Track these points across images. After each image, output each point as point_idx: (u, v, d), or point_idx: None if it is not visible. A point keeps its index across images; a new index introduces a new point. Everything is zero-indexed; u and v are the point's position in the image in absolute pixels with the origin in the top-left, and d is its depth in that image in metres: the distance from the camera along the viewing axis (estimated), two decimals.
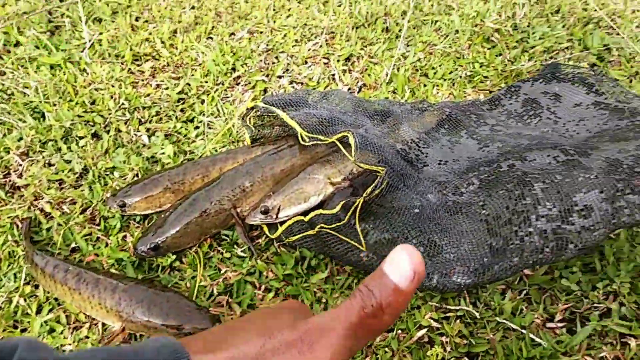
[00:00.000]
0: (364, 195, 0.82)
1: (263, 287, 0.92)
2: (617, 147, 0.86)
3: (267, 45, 1.42)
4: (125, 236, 1.01)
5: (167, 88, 1.29)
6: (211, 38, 1.45)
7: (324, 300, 0.89)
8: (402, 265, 0.40)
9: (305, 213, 0.92)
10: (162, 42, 1.42)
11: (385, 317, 0.40)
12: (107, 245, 0.99)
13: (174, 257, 0.95)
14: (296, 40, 1.44)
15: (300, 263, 0.94)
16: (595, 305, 0.83)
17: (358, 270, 0.91)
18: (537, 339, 0.79)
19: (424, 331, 0.83)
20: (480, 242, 0.81)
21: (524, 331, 0.80)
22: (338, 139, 0.89)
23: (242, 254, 0.96)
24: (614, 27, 1.44)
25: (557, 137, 0.99)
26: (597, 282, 0.85)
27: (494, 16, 1.47)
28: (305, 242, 0.92)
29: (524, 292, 0.87)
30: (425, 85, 1.30)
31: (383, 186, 0.82)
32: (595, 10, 1.50)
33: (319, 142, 0.91)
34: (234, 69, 1.35)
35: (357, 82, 1.32)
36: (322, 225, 0.86)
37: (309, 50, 1.40)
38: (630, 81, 1.27)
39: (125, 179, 1.08)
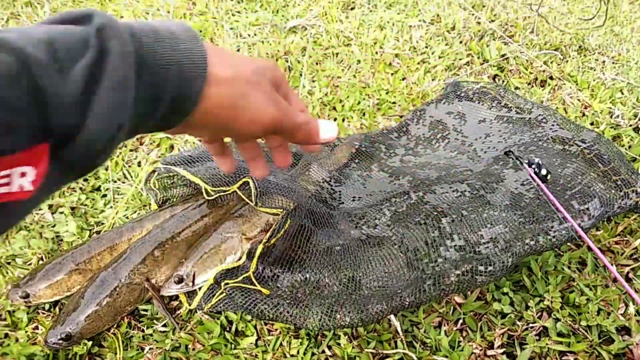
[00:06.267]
0: (264, 240, 0.78)
1: None
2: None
3: None
4: (36, 327, 0.91)
5: None
6: None
7: None
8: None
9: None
10: None
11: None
12: (17, 340, 0.89)
13: (90, 343, 0.87)
14: None
15: (228, 329, 0.88)
16: (531, 325, 0.82)
17: (287, 327, 0.86)
18: None
19: None
20: (395, 274, 0.79)
21: None
22: (242, 187, 0.85)
23: (164, 328, 0.89)
24: (508, 37, 1.48)
25: (465, 161, 0.98)
26: (529, 300, 0.84)
27: (392, 42, 1.48)
28: (229, 304, 0.87)
29: (460, 321, 0.85)
30: (335, 119, 1.28)
31: (286, 227, 0.80)
32: (489, 22, 1.54)
33: (222, 194, 0.87)
34: None
35: None
36: (227, 281, 0.81)
37: None
38: (531, 86, 1.30)
39: (30, 264, 0.99)
